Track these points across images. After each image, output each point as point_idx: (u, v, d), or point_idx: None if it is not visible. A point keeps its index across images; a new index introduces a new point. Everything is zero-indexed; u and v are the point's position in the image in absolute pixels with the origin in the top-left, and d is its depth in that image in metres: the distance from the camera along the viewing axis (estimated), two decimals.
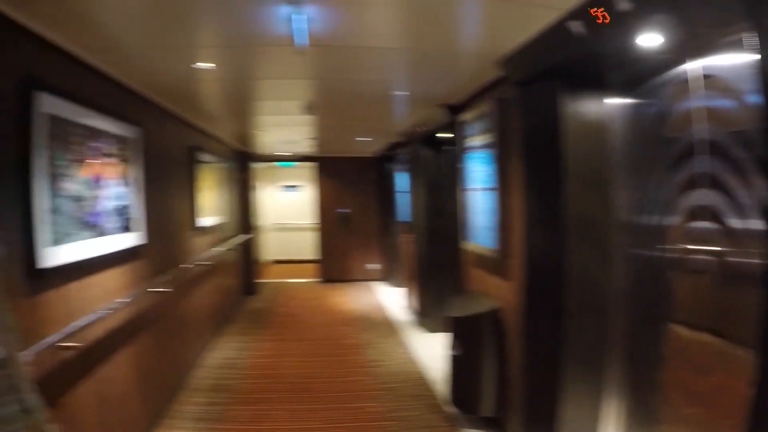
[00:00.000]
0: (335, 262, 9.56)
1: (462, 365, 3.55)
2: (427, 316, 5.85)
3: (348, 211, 9.55)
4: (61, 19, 2.22)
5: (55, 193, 2.40)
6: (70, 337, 2.32)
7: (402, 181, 7.35)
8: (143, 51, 2.82)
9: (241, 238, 7.59)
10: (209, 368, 4.84)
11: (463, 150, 4.20)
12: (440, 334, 5.12)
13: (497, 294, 3.46)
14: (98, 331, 2.78)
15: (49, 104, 2.33)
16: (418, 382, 4.36)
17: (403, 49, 2.93)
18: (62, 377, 2.40)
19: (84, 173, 2.72)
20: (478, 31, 2.66)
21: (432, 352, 5.05)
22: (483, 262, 3.77)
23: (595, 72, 2.63)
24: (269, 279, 9.68)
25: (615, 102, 2.69)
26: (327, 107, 4.56)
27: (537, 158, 2.85)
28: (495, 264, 3.49)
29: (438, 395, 4.05)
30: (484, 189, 3.70)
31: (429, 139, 5.75)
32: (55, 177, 2.40)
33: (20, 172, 2.16)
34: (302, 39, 2.44)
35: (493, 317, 3.41)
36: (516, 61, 2.84)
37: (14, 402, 1.31)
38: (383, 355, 5.10)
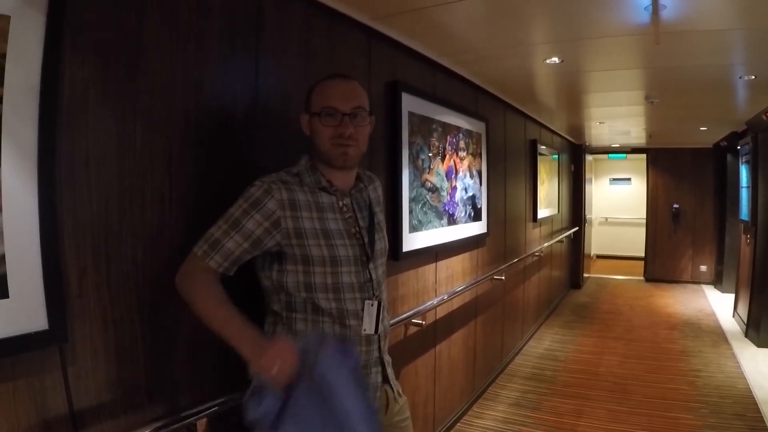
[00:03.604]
0: (661, 261, 8.77)
1: None
2: (758, 329, 5.16)
3: (677, 206, 8.55)
4: (420, 29, 2.52)
5: (417, 183, 2.73)
6: (419, 315, 2.62)
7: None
8: (492, 51, 2.97)
9: (570, 230, 7.49)
10: (530, 356, 4.96)
11: None
12: None
13: None
14: (441, 312, 3.09)
15: (410, 103, 2.66)
16: (743, 401, 3.84)
17: (748, 29, 2.55)
18: (408, 350, 2.75)
19: (441, 166, 3.03)
20: None
21: (763, 370, 4.45)
22: None
23: None
24: (592, 274, 9.41)
25: None
26: (664, 95, 4.28)
27: None
28: None
29: (766, 418, 3.51)
30: None
31: None
32: (417, 168, 2.73)
33: (391, 163, 2.54)
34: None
35: None
36: None
37: (378, 373, 1.53)
38: (707, 366, 4.64)
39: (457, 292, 3.19)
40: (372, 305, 1.47)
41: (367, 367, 1.49)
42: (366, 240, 1.50)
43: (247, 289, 1.51)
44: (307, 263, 1.40)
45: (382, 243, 1.58)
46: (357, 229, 1.49)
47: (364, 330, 1.46)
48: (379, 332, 1.50)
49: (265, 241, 1.37)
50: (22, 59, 1.06)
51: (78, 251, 1.18)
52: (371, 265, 1.50)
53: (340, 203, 1.48)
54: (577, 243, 8.05)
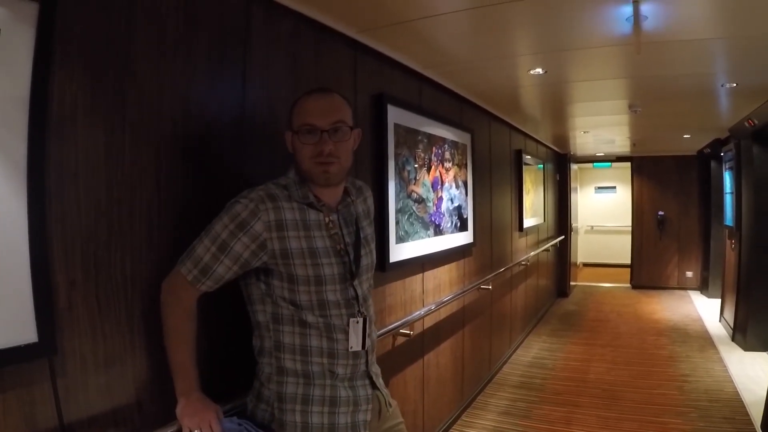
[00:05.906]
0: (647, 268, 8.87)
1: None
2: (745, 333, 5.20)
3: (662, 213, 8.67)
4: (405, 41, 2.56)
5: (403, 194, 2.75)
6: (406, 325, 2.63)
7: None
8: (477, 62, 3.01)
9: (556, 239, 7.56)
10: (518, 365, 4.98)
11: None
12: (760, 354, 4.90)
13: None
14: (428, 322, 3.10)
15: (396, 115, 2.69)
16: (732, 404, 3.89)
17: (729, 38, 2.59)
18: (396, 360, 2.75)
19: (427, 177, 3.06)
20: None
21: (750, 373, 4.50)
22: None
23: None
24: (579, 282, 9.49)
25: None
26: (647, 104, 4.34)
27: None
28: None
29: (755, 421, 3.52)
30: None
31: (760, 135, 5.00)
32: (403, 179, 2.75)
33: (377, 175, 2.56)
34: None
35: None
36: None
37: (365, 386, 1.52)
38: (695, 371, 4.68)
39: (444, 302, 3.20)
40: (357, 322, 1.46)
41: (353, 380, 1.48)
42: (351, 257, 1.48)
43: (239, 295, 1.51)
44: (292, 282, 1.39)
45: (368, 258, 1.57)
46: (342, 246, 1.47)
47: (351, 347, 1.45)
48: (366, 348, 1.49)
49: (252, 263, 1.38)
50: (11, 71, 1.07)
51: (67, 263, 1.18)
52: (356, 282, 1.49)
53: (327, 219, 1.45)
54: (563, 251, 8.12)
